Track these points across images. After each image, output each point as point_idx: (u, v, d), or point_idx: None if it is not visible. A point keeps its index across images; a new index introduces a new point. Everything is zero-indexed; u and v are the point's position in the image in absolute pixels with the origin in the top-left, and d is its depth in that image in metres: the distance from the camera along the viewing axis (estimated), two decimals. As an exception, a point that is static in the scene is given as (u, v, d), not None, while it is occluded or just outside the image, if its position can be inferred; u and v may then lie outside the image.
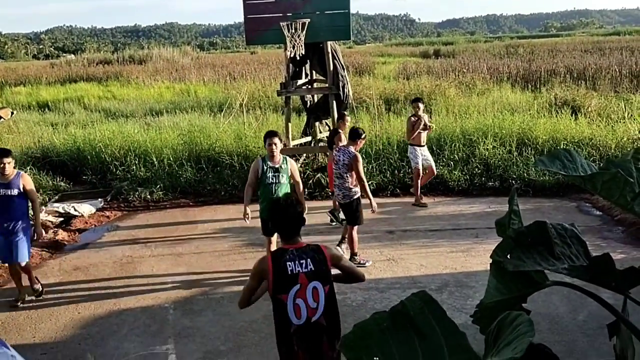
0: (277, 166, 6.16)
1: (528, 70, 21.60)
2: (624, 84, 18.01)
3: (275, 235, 6.02)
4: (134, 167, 10.83)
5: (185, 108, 16.88)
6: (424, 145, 9.29)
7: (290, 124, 9.43)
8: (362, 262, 6.71)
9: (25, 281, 6.29)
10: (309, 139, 9.95)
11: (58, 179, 10.95)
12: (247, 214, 6.25)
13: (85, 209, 9.37)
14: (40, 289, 6.32)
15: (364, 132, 7.03)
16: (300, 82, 9.68)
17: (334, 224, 8.24)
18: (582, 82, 18.19)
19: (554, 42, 46.38)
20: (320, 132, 10.48)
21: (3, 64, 56.69)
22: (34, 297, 6.26)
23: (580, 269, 2.17)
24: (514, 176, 9.81)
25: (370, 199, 6.75)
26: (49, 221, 8.99)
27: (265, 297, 3.44)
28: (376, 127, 11.67)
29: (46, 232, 8.37)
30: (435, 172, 9.50)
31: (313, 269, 3.24)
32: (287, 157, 6.37)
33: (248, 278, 3.44)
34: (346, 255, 6.38)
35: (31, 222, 6.21)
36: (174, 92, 22.50)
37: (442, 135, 11.00)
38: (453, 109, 13.39)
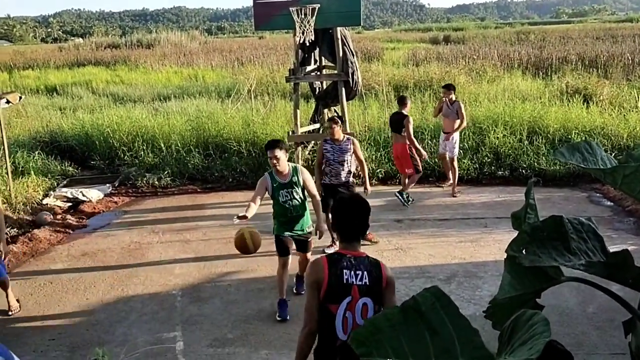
0: (286, 181, 5.37)
1: (539, 57, 21.26)
2: (636, 72, 17.68)
3: (290, 257, 5.45)
4: (142, 152, 10.84)
5: (193, 93, 16.80)
6: (446, 132, 9.11)
7: (298, 111, 9.35)
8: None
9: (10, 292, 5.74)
10: (317, 126, 9.87)
11: (66, 163, 11.03)
12: (244, 215, 5.12)
13: (94, 194, 9.39)
14: (15, 310, 5.70)
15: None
16: (309, 68, 9.58)
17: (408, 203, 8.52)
18: (594, 69, 17.89)
19: (565, 29, 45.73)
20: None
21: (11, 47, 56.76)
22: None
23: (598, 265, 2.13)
24: (524, 165, 9.71)
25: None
26: (58, 206, 9.03)
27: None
28: (385, 114, 11.57)
29: (54, 217, 8.45)
30: (451, 163, 9.27)
31: (368, 284, 2.89)
32: (297, 167, 5.52)
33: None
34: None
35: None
36: (181, 77, 22.39)
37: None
38: (463, 96, 13.23)
